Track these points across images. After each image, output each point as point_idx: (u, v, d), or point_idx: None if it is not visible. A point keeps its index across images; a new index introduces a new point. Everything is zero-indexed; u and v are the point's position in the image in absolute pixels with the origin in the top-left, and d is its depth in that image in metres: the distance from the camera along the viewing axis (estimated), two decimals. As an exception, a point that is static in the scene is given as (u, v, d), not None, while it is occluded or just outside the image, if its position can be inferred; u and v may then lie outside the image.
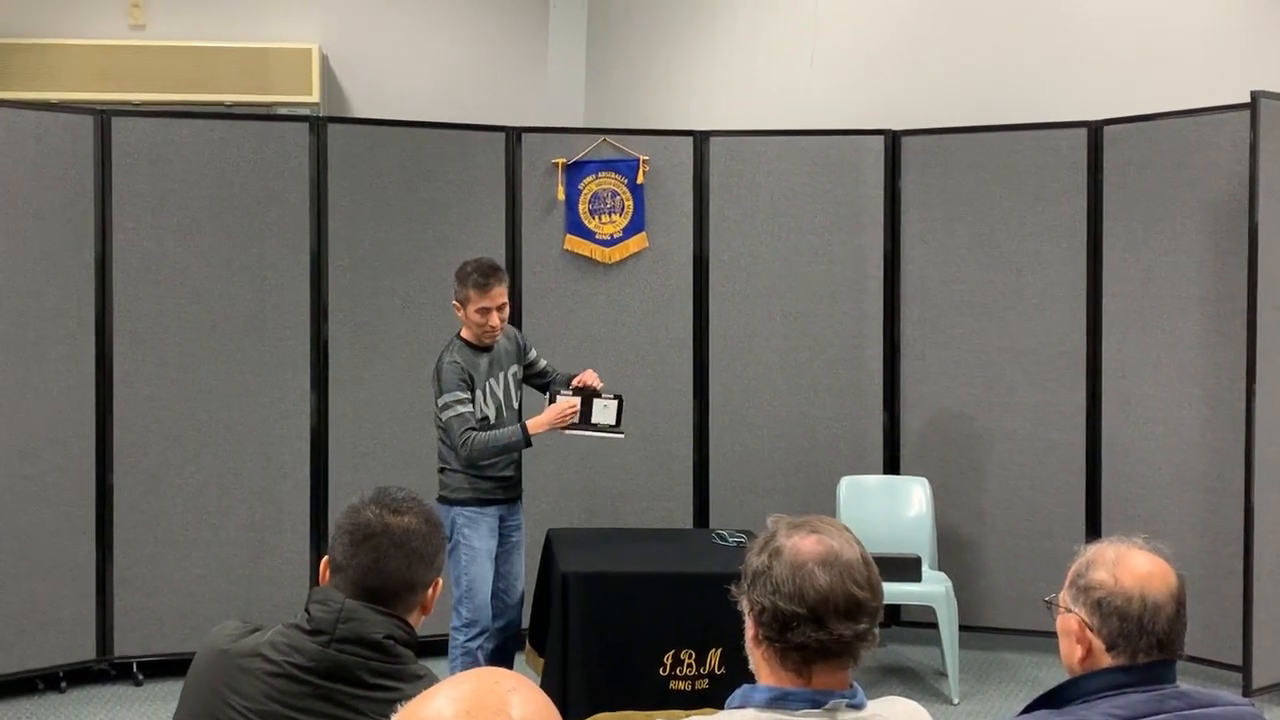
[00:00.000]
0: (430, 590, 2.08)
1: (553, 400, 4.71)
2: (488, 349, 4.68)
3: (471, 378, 4.59)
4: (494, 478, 4.68)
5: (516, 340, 4.82)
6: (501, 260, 5.79)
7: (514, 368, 4.77)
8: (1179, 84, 6.21)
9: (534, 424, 4.60)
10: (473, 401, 4.59)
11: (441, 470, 4.72)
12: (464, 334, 4.67)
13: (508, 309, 4.66)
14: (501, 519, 4.73)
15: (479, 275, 4.56)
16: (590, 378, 4.72)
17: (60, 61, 6.50)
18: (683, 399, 5.98)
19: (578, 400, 4.65)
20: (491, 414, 4.67)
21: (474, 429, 4.53)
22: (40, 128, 5.17)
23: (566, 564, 4.42)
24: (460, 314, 4.64)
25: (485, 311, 4.55)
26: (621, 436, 4.84)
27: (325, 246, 5.57)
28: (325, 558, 2.10)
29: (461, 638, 4.60)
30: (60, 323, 5.21)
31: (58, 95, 6.20)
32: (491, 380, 4.68)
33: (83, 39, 6.55)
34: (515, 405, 4.77)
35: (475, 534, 4.63)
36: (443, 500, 4.66)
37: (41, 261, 5.17)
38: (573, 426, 4.67)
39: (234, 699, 1.96)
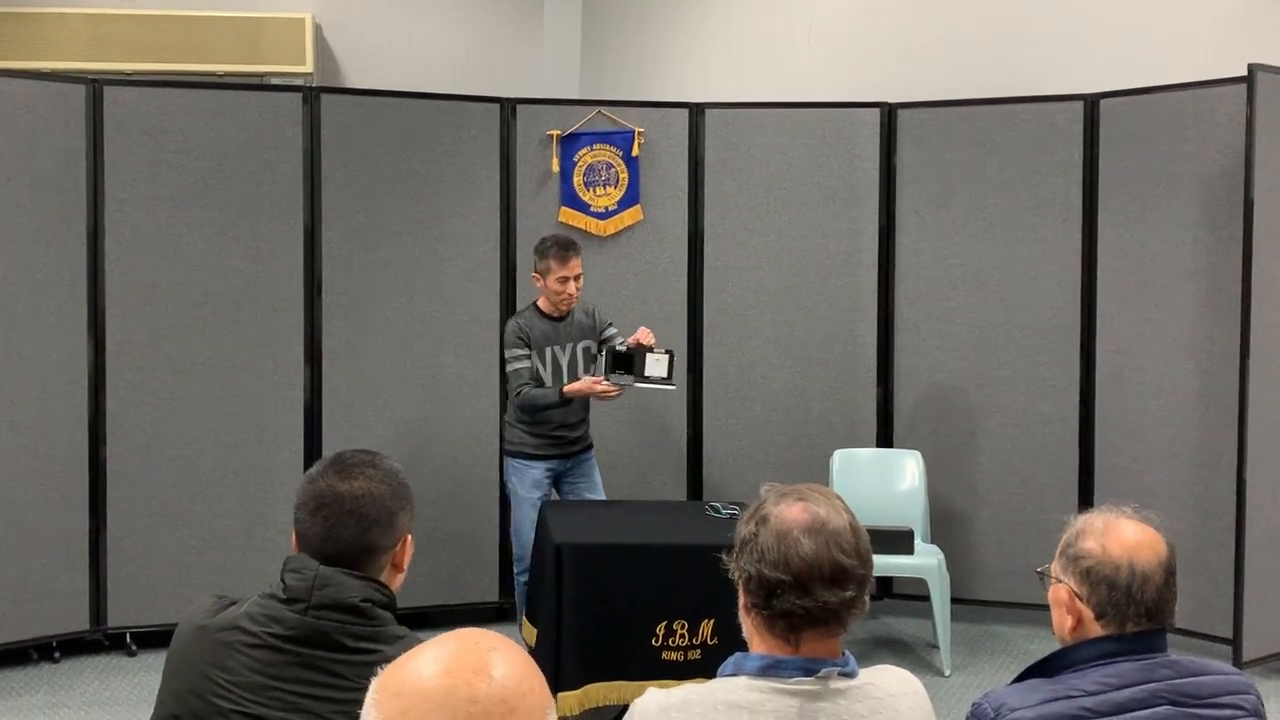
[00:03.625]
0: (399, 548, 2.07)
1: (609, 356, 5.06)
2: (559, 319, 5.15)
3: (529, 338, 5.09)
4: (545, 435, 5.18)
5: (594, 316, 5.26)
6: (494, 231, 5.80)
7: (585, 342, 5.22)
8: (1176, 57, 6.19)
9: (569, 388, 5.06)
10: (530, 359, 5.09)
11: (506, 424, 5.30)
12: (540, 303, 5.17)
13: (583, 280, 5.13)
14: (561, 473, 5.27)
15: (558, 248, 5.09)
16: (644, 335, 5.09)
17: (53, 30, 6.46)
18: (677, 372, 5.98)
19: (611, 387, 5.01)
20: (549, 379, 5.13)
21: (527, 383, 5.08)
22: (32, 97, 5.14)
23: (560, 535, 4.43)
24: (540, 284, 5.13)
25: (564, 280, 5.06)
26: (673, 388, 5.22)
27: (318, 218, 5.55)
28: None
29: (515, 569, 5.26)
30: (52, 293, 5.19)
31: (50, 64, 6.16)
32: (556, 348, 5.16)
33: (75, 8, 6.50)
34: (580, 375, 5.17)
35: (519, 483, 5.22)
36: (504, 451, 5.33)
37: (33, 232, 5.15)
38: (628, 380, 5.03)
39: (217, 674, 1.96)
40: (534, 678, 1.19)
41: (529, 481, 5.20)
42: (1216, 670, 2.10)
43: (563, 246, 5.10)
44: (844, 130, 6.02)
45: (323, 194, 5.55)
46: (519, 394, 5.07)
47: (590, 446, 5.36)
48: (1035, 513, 5.78)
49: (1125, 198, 5.63)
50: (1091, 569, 2.07)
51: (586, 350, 5.21)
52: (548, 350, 5.14)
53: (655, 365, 5.04)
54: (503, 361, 5.24)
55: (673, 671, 4.20)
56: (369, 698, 1.18)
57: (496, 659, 1.18)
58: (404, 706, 1.15)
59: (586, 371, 5.18)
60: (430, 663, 1.17)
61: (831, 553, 1.84)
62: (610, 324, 5.30)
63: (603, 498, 5.33)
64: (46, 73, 5.53)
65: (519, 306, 5.81)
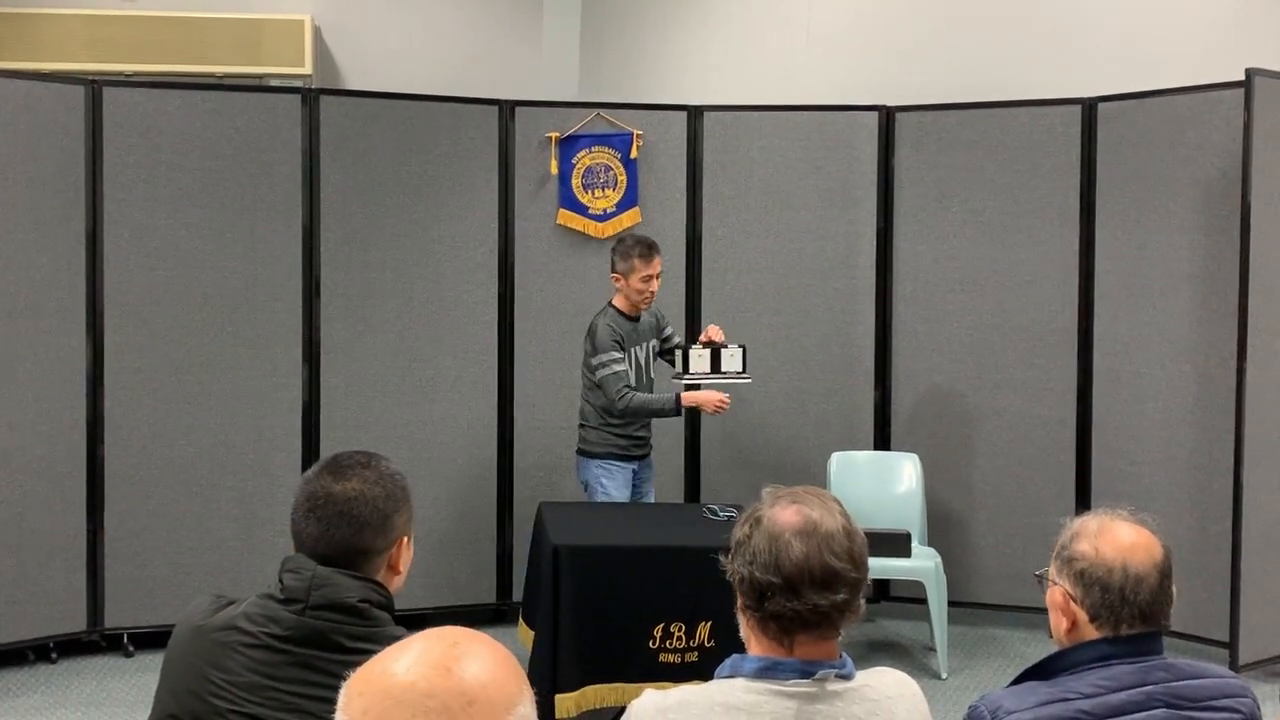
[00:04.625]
0: (395, 550, 2.07)
1: (685, 356, 5.13)
2: (636, 319, 5.17)
3: (622, 339, 5.09)
4: (630, 436, 5.19)
5: (657, 317, 5.32)
6: (493, 233, 5.80)
7: (653, 341, 5.28)
8: (1174, 61, 6.20)
9: (688, 398, 5.09)
10: (625, 361, 5.08)
11: (582, 426, 5.24)
12: (617, 302, 5.17)
13: (661, 279, 5.16)
14: (635, 473, 5.25)
15: (642, 247, 5.11)
16: (714, 332, 5.18)
17: (52, 31, 6.46)
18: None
19: (727, 397, 5.09)
20: (632, 378, 5.13)
21: (630, 387, 5.05)
22: (31, 97, 5.14)
23: (558, 537, 4.43)
24: (620, 284, 5.13)
25: (648, 279, 5.09)
26: (749, 381, 5.27)
27: (317, 219, 5.55)
28: None
29: None
30: (51, 294, 5.19)
31: (49, 65, 6.16)
32: (636, 348, 5.19)
33: (74, 9, 6.50)
34: (651, 375, 5.25)
35: (612, 484, 5.17)
36: (582, 453, 5.23)
37: (32, 232, 5.15)
38: (704, 374, 5.12)
39: (214, 674, 1.96)
40: (501, 671, 1.17)
41: (621, 481, 5.20)
42: (1212, 673, 2.11)
43: (646, 246, 5.12)
44: (842, 133, 6.02)
45: (321, 195, 5.55)
46: (624, 397, 5.00)
47: (651, 450, 5.39)
48: (1032, 515, 5.79)
49: (1123, 201, 5.63)
50: (1085, 571, 2.07)
51: (653, 348, 5.26)
52: (632, 350, 5.16)
53: (730, 360, 5.15)
54: (585, 365, 5.16)
55: (670, 673, 4.20)
56: (339, 700, 1.18)
57: (461, 654, 1.17)
58: (366, 705, 1.14)
59: (653, 369, 5.24)
60: (394, 661, 1.17)
61: (822, 556, 1.84)
62: (669, 324, 5.39)
63: (653, 500, 5.40)
64: (46, 73, 5.53)
65: (517, 308, 5.82)
